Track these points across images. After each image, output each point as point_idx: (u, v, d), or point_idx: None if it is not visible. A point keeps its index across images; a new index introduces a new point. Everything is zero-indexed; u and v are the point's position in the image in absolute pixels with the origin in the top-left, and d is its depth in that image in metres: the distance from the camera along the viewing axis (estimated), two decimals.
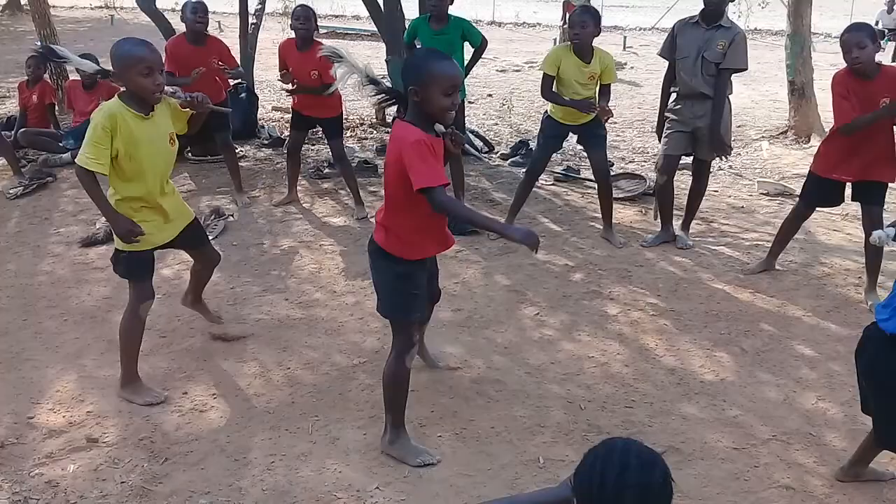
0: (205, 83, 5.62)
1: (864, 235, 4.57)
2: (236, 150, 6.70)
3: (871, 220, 4.45)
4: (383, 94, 3.01)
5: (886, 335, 2.69)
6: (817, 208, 4.94)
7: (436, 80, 2.76)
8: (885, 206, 4.52)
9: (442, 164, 2.90)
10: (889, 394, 2.77)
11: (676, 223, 5.43)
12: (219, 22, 18.08)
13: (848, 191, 4.57)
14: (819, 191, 4.57)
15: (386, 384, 3.15)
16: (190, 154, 7.15)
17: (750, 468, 3.15)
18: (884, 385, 2.77)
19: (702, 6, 4.96)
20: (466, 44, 5.80)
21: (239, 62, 8.76)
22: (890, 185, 4.48)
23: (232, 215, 5.91)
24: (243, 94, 7.97)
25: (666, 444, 3.22)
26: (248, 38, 9.00)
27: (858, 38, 4.09)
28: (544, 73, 5.15)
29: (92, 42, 14.01)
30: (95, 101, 6.20)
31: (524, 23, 21.76)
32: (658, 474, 1.58)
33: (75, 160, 3.37)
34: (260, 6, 9.57)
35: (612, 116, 5.33)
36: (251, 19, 9.11)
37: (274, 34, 12.82)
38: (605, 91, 5.15)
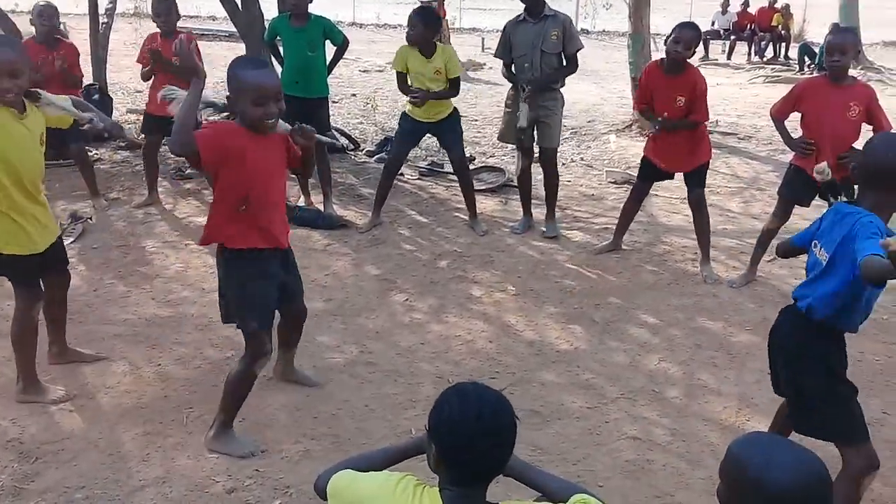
0: (56, 85, 5.46)
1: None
2: (91, 154, 6.51)
3: (695, 201, 4.96)
4: (223, 113, 3.10)
5: (801, 316, 2.64)
6: (654, 188, 5.40)
7: (244, 90, 2.80)
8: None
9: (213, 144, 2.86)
10: (801, 374, 2.67)
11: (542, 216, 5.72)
12: (64, 23, 17.20)
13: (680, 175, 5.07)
14: (648, 169, 5.08)
15: (229, 386, 3.18)
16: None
17: (602, 424, 3.46)
18: (795, 365, 2.69)
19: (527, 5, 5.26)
20: (329, 43, 5.90)
21: (91, 64, 8.51)
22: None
23: (90, 218, 5.75)
24: (96, 96, 7.72)
25: (527, 408, 3.49)
26: (99, 37, 8.69)
27: (840, 44, 4.29)
28: (396, 71, 5.44)
29: None
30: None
31: (385, 24, 21.97)
32: (507, 410, 1.76)
33: None
34: (111, 5, 9.27)
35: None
36: (101, 19, 8.80)
37: (125, 35, 12.38)
38: (454, 85, 5.39)
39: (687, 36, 4.66)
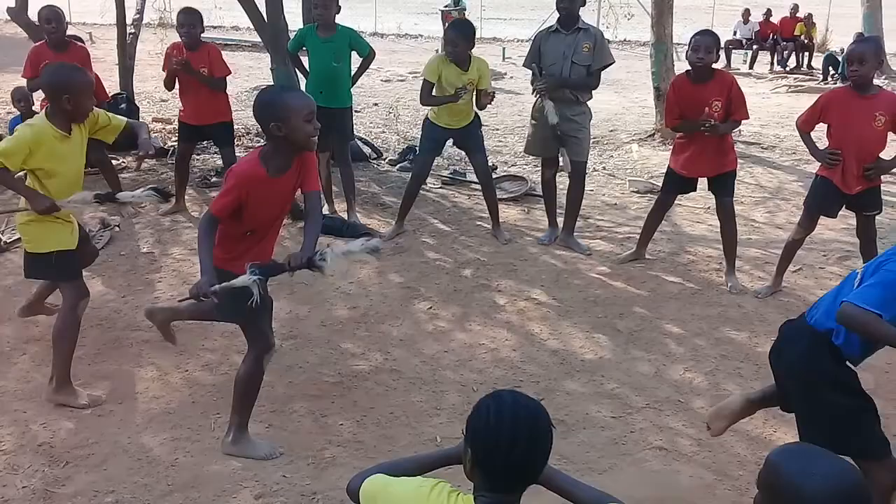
0: None
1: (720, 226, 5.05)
2: (116, 163, 6.61)
3: (724, 210, 4.93)
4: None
5: (816, 332, 2.59)
6: (678, 198, 5.37)
7: (296, 110, 2.92)
8: None
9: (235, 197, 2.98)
10: (812, 390, 2.62)
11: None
12: (90, 33, 17.46)
13: (704, 184, 5.05)
14: (673, 181, 5.05)
15: (240, 386, 3.23)
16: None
17: (627, 434, 3.46)
18: (807, 383, 2.64)
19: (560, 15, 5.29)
20: (354, 53, 5.95)
21: (118, 74, 8.64)
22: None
23: (118, 226, 5.82)
24: (123, 105, 7.82)
25: (552, 417, 3.47)
26: (126, 47, 8.82)
27: (860, 53, 4.30)
28: (424, 80, 5.43)
29: None
30: None
31: (406, 34, 22.07)
32: (544, 419, 1.77)
33: None
34: (138, 16, 9.40)
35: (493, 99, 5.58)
36: (129, 29, 8.94)
37: (150, 45, 12.52)
38: (482, 97, 5.45)
39: (705, 42, 4.64)
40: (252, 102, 3.13)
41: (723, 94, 4.68)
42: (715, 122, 4.64)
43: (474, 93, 5.42)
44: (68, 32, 6.00)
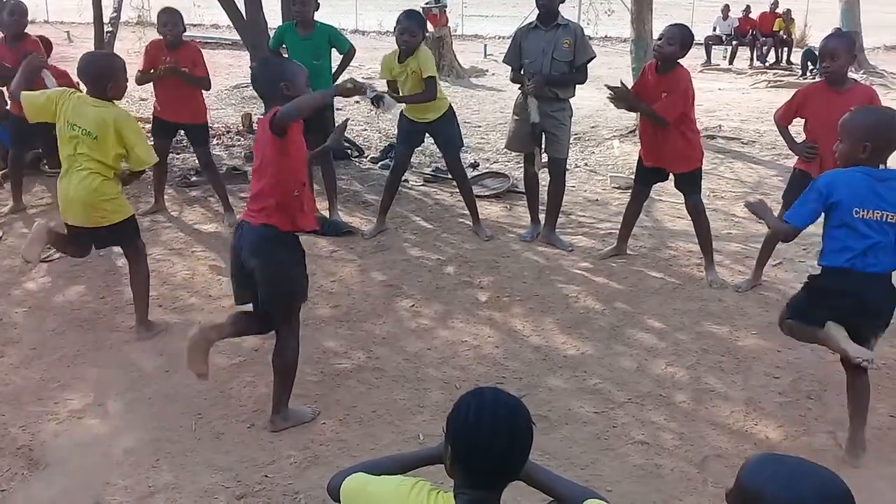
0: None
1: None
2: None
3: (691, 207, 4.98)
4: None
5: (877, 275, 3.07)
6: (659, 194, 5.39)
7: (301, 73, 3.32)
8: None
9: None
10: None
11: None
12: (68, 32, 17.31)
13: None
14: (644, 170, 5.10)
15: (281, 370, 3.40)
16: (46, 167, 6.89)
17: (609, 428, 3.47)
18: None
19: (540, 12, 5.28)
20: (334, 50, 5.93)
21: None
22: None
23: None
24: None
25: (534, 413, 3.47)
26: (104, 46, 8.74)
27: (832, 49, 4.33)
28: (388, 81, 5.50)
29: None
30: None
31: (387, 31, 22.01)
32: (524, 416, 1.78)
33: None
34: (115, 15, 9.32)
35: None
36: (107, 28, 8.86)
37: (129, 43, 12.41)
38: (428, 84, 5.31)
39: (669, 32, 4.66)
40: (252, 75, 3.68)
41: (670, 87, 4.69)
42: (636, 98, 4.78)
43: (419, 81, 5.32)
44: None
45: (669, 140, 4.79)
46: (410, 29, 5.26)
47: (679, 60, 4.73)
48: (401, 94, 5.39)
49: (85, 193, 3.88)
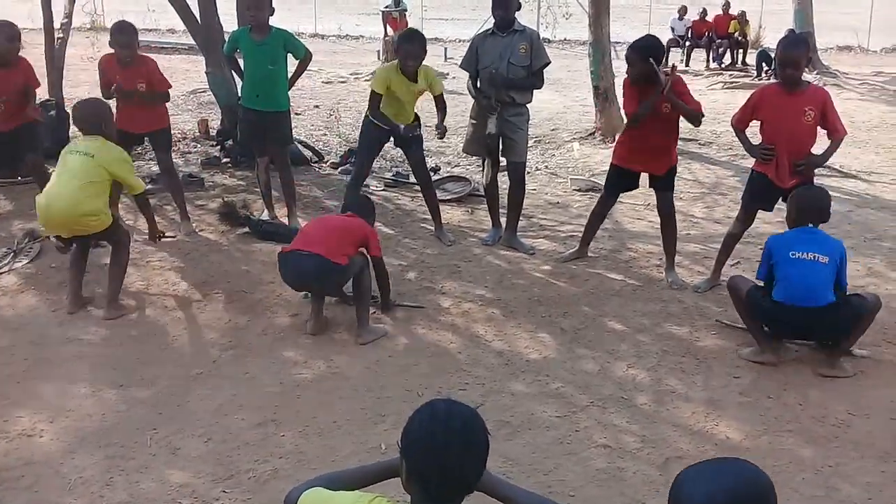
0: (16, 104, 5.42)
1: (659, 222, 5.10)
2: (48, 170, 6.36)
3: (664, 205, 4.99)
4: None
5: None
6: (620, 195, 5.41)
7: None
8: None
9: None
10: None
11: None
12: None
13: (645, 180, 5.09)
14: (618, 178, 5.08)
15: (359, 294, 4.27)
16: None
17: (572, 433, 3.46)
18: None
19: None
20: (291, 56, 5.84)
21: (47, 79, 8.32)
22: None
23: (48, 237, 5.61)
24: (52, 112, 7.56)
25: (497, 419, 3.47)
26: (56, 52, 8.53)
27: (795, 58, 4.40)
28: (373, 91, 5.38)
29: None
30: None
31: (347, 35, 21.92)
32: (479, 427, 1.75)
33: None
34: (66, 20, 9.10)
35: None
36: (57, 34, 8.64)
37: (82, 49, 12.17)
38: (439, 103, 5.46)
39: (638, 44, 4.72)
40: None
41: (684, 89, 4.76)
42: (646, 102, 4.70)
43: (418, 97, 5.39)
44: None
45: (663, 141, 4.82)
46: (417, 54, 5.26)
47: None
48: (392, 106, 5.37)
49: (69, 208, 4.35)
